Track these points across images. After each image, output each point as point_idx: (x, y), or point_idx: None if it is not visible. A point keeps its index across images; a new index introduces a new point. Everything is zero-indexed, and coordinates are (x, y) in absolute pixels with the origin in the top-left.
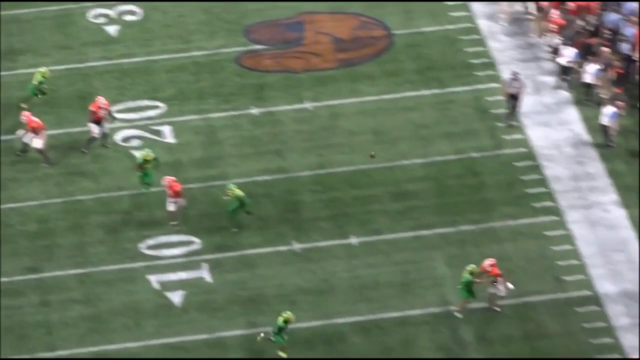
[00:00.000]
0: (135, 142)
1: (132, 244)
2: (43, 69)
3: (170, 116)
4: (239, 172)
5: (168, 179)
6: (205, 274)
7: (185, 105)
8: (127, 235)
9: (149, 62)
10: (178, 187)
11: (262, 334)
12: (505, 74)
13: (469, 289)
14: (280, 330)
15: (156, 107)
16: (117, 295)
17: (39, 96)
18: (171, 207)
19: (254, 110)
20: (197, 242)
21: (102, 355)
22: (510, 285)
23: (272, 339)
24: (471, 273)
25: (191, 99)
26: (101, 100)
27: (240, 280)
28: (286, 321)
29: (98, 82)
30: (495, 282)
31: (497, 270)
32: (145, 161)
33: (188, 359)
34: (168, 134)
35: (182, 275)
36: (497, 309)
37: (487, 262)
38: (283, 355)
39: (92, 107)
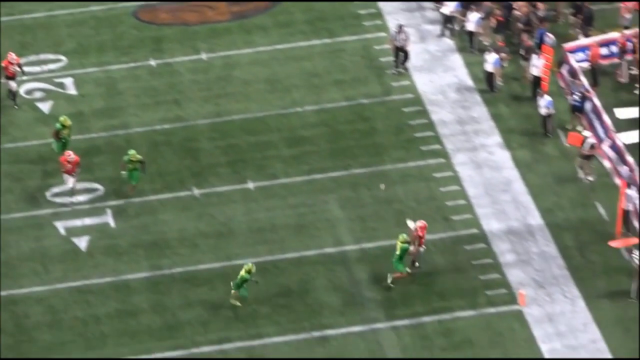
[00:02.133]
0: (38, 94)
1: (39, 192)
2: None
3: (72, 69)
4: (139, 121)
5: (67, 155)
6: (109, 220)
7: (86, 58)
8: (33, 184)
9: (49, 17)
10: (76, 160)
11: (233, 293)
12: (392, 23)
13: (402, 259)
14: (243, 282)
15: (58, 60)
16: (25, 241)
17: None
18: (69, 183)
19: (152, 62)
20: (100, 189)
21: (12, 299)
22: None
23: (233, 290)
24: (406, 242)
25: (91, 52)
26: (12, 56)
27: (143, 225)
28: (249, 272)
29: (1, 38)
30: (421, 245)
31: (424, 232)
32: (63, 126)
33: (95, 302)
34: (70, 86)
35: (87, 221)
36: (417, 264)
37: (419, 225)
38: (237, 303)
39: (3, 63)
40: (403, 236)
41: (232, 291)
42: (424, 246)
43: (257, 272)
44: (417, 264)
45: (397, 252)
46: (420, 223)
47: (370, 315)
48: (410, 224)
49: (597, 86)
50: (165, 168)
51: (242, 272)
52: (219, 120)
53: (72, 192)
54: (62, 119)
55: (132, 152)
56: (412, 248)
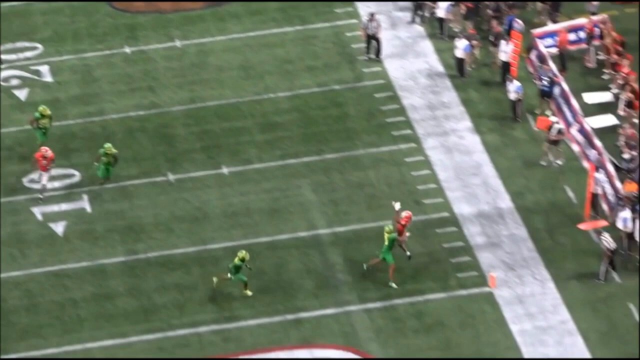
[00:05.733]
0: (15, 82)
1: (16, 179)
2: None
3: (48, 57)
4: (115, 108)
5: (45, 151)
6: (85, 205)
7: (61, 45)
8: (10, 170)
9: (25, 5)
10: (52, 156)
11: (215, 279)
12: (363, 10)
13: (391, 250)
14: (237, 269)
15: (34, 48)
16: (2, 227)
17: None
18: (44, 180)
19: (127, 49)
20: (76, 175)
21: None
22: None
23: (232, 278)
24: (390, 232)
25: (67, 39)
26: None
27: (118, 210)
28: (242, 259)
29: None
30: (407, 233)
31: (407, 222)
32: (42, 116)
33: (72, 286)
34: (46, 74)
35: (64, 206)
36: (409, 253)
37: (405, 215)
38: (248, 293)
39: None
40: (389, 227)
41: (229, 276)
42: (408, 234)
43: (232, 256)
44: (408, 253)
45: (386, 243)
46: (406, 213)
47: (344, 297)
48: (397, 205)
49: (565, 71)
50: (141, 154)
51: (236, 260)
52: (193, 107)
53: (43, 189)
54: (41, 108)
55: (107, 145)
56: (399, 237)
